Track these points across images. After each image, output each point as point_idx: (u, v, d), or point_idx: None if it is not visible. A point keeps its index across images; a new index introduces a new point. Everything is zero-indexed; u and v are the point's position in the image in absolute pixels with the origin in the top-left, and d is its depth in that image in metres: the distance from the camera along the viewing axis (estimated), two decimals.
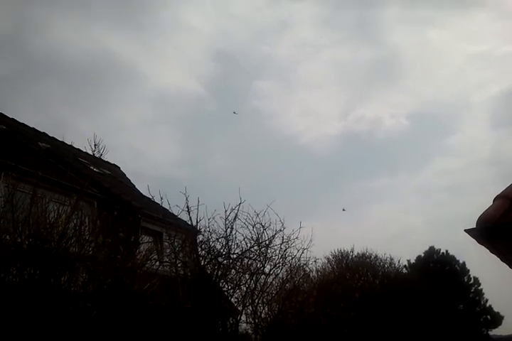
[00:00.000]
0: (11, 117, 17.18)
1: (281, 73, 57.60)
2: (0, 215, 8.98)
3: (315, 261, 16.32)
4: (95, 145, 22.43)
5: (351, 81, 57.01)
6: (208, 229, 12.82)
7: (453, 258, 35.32)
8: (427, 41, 53.65)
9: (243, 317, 13.83)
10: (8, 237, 8.82)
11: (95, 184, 14.42)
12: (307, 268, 16.19)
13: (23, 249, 8.79)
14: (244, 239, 12.96)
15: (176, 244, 12.70)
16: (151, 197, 13.93)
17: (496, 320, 34.01)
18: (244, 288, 13.36)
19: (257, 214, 12.95)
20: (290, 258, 14.15)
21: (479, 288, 34.75)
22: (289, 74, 56.71)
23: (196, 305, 12.06)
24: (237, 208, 12.67)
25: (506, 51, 56.14)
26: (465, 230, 4.60)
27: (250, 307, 13.82)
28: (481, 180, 51.01)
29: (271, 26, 55.24)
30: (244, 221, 12.92)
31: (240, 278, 13.20)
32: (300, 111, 58.63)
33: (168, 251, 13.02)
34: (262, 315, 14.46)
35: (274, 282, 14.33)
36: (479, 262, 25.87)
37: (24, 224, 8.88)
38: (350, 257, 24.95)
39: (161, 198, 12.59)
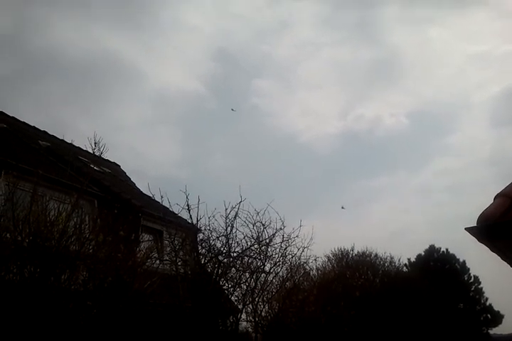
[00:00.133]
0: (11, 116, 17.19)
1: (281, 73, 57.64)
2: (0, 213, 8.98)
3: (315, 260, 16.38)
4: (95, 143, 22.32)
5: (351, 81, 57.09)
6: (208, 228, 12.84)
7: (453, 256, 35.35)
8: (427, 41, 53.73)
9: (243, 316, 13.89)
10: (8, 235, 8.82)
11: (95, 182, 14.42)
12: (307, 267, 16.25)
13: (23, 247, 8.80)
14: (244, 238, 12.97)
15: (176, 242, 12.71)
16: (151, 195, 13.92)
17: (496, 318, 34.03)
18: (245, 287, 13.38)
19: (258, 213, 12.96)
20: (290, 256, 14.18)
21: (479, 286, 34.79)
22: (289, 73, 56.79)
23: (196, 304, 12.06)
24: (237, 206, 12.68)
25: (506, 51, 56.20)
26: (465, 228, 4.60)
27: (250, 305, 13.84)
28: (481, 179, 51.04)
29: (271, 26, 55.29)
30: (244, 219, 12.93)
31: (240, 276, 13.21)
32: (300, 111, 58.69)
33: (168, 249, 13.02)
34: (263, 314, 14.48)
35: (274, 280, 14.34)
36: (479, 261, 25.94)
37: (24, 223, 8.87)
38: (350, 256, 24.99)
39: (161, 196, 12.59)
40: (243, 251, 13.03)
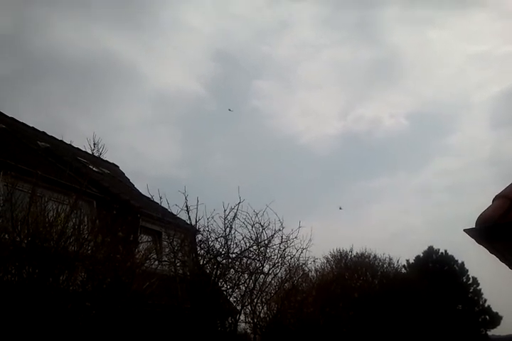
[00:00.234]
0: (10, 116, 17.17)
1: (281, 73, 57.73)
2: None
3: (314, 261, 16.37)
4: (94, 144, 22.25)
5: (351, 81, 57.13)
6: (207, 229, 12.83)
7: (452, 258, 35.36)
8: (427, 41, 53.77)
9: (242, 317, 13.85)
10: (7, 236, 8.81)
11: (94, 183, 14.41)
12: (306, 268, 16.24)
13: (22, 247, 8.79)
14: (243, 239, 12.96)
15: (175, 243, 12.69)
16: (150, 196, 13.90)
17: (495, 320, 34.05)
18: (243, 288, 13.36)
19: (256, 214, 12.95)
20: (289, 257, 14.17)
21: (478, 288, 34.79)
22: (289, 74, 56.83)
23: (195, 305, 12.05)
24: (236, 208, 12.66)
25: (506, 51, 56.31)
26: (464, 230, 4.60)
27: (249, 306, 13.82)
28: (481, 180, 51.13)
29: (271, 26, 55.34)
30: (243, 220, 12.92)
31: (238, 277, 13.19)
32: (300, 111, 58.76)
33: (167, 250, 13.01)
34: (261, 315, 14.46)
35: (273, 281, 14.33)
36: (478, 262, 25.94)
37: (23, 223, 8.87)
38: (349, 257, 24.99)
39: (160, 197, 12.60)
40: (242, 252, 13.02)
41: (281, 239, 13.42)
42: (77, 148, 18.40)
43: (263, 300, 14.25)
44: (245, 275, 13.28)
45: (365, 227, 42.58)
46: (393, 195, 52.67)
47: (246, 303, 13.59)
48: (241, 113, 61.19)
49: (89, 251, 9.62)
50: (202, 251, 13.20)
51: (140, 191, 18.71)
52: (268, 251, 13.41)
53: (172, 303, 12.00)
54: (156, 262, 12.25)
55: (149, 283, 10.28)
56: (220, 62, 57.18)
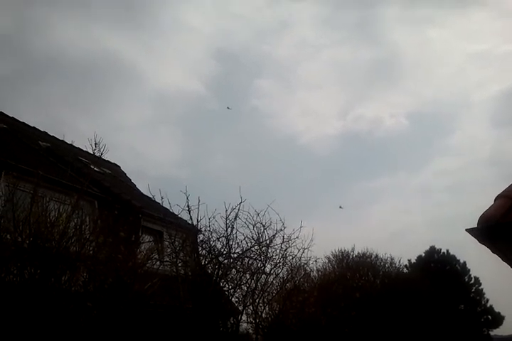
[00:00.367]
0: (11, 116, 17.17)
1: (281, 73, 57.71)
2: (0, 214, 8.97)
3: (315, 261, 16.32)
4: (95, 144, 22.24)
5: (351, 81, 57.12)
6: (208, 229, 12.81)
7: (453, 257, 35.33)
8: (427, 41, 53.78)
9: (244, 317, 13.84)
10: (8, 236, 8.81)
11: (96, 183, 14.40)
12: (308, 268, 16.22)
13: (23, 248, 8.78)
14: (244, 239, 12.94)
15: (176, 243, 12.69)
16: (151, 196, 13.91)
17: (497, 320, 34.01)
18: (245, 288, 13.36)
19: (258, 214, 12.93)
20: (291, 257, 14.16)
21: (480, 287, 34.76)
22: (289, 73, 56.84)
23: (197, 305, 12.04)
24: (237, 207, 12.64)
25: (506, 50, 56.38)
26: (466, 230, 4.59)
27: (251, 306, 13.81)
28: (481, 179, 51.03)
29: (271, 26, 55.37)
30: (244, 220, 12.90)
31: (240, 277, 13.19)
32: (300, 111, 58.76)
33: (168, 250, 13.00)
34: (263, 315, 14.46)
35: (274, 282, 14.33)
36: (480, 262, 25.91)
37: (25, 224, 8.86)
38: (350, 257, 24.98)
39: (162, 197, 12.56)
40: (243, 252, 13.01)
41: (283, 238, 13.43)
42: (78, 148, 18.38)
43: (265, 300, 14.25)
44: (247, 275, 13.28)
45: (365, 227, 42.71)
46: (393, 195, 52.79)
47: (248, 303, 13.58)
48: (241, 113, 61.20)
49: (90, 252, 9.61)
50: (203, 251, 13.21)
51: (141, 191, 18.73)
52: (270, 251, 13.42)
53: (174, 303, 12.00)
54: (158, 262, 12.25)
55: (151, 283, 10.28)
56: (220, 62, 57.32)
